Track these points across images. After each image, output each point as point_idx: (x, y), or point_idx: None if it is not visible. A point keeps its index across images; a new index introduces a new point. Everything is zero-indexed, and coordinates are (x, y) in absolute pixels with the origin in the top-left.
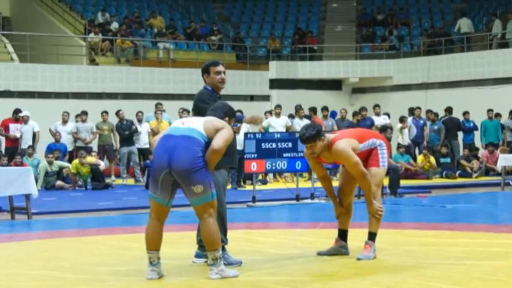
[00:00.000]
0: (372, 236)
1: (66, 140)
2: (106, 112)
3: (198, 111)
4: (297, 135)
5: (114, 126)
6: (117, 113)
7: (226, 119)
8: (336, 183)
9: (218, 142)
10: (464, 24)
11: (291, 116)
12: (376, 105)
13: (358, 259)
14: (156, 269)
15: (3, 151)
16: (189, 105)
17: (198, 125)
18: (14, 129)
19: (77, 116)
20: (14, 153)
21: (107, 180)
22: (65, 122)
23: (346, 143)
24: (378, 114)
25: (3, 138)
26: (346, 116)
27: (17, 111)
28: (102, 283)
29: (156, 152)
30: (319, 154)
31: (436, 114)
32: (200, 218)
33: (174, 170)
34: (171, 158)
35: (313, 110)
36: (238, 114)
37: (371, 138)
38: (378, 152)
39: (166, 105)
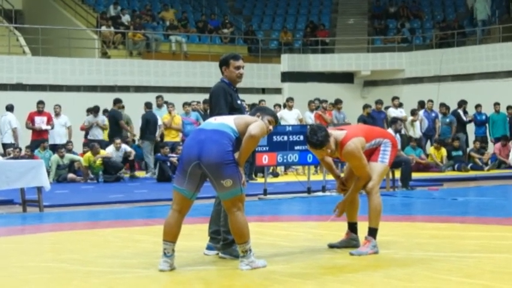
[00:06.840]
0: (371, 232)
1: (61, 133)
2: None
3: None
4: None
5: (128, 118)
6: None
7: (258, 114)
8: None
9: (255, 129)
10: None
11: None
12: (395, 98)
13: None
14: (169, 260)
15: (30, 144)
16: (200, 97)
17: (229, 120)
18: (40, 122)
19: (89, 110)
20: (39, 146)
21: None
22: (57, 114)
23: (356, 143)
24: (396, 106)
25: (30, 131)
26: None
27: (39, 103)
28: (114, 275)
29: (186, 143)
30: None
31: (448, 108)
32: (229, 211)
33: (203, 163)
34: (201, 151)
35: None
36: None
37: (378, 138)
38: (380, 148)
39: (178, 98)
